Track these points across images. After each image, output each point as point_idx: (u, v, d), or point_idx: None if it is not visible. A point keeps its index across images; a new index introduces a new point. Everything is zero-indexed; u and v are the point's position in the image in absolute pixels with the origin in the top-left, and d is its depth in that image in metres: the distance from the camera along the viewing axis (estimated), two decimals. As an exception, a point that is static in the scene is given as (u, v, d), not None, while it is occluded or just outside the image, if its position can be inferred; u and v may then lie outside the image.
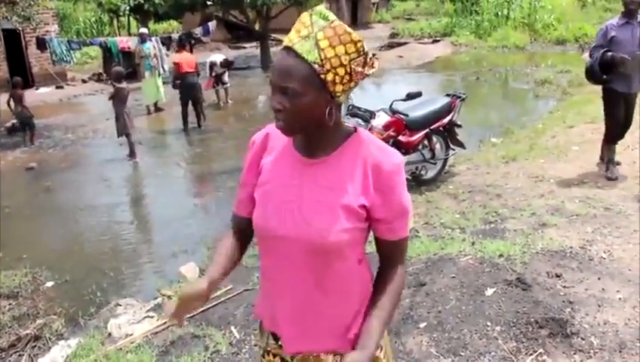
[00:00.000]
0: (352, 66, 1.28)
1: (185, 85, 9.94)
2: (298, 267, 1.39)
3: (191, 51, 18.03)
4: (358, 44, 1.28)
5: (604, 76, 5.16)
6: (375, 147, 1.39)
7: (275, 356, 1.54)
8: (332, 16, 1.30)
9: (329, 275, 1.39)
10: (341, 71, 1.27)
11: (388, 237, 1.43)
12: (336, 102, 1.33)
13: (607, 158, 5.53)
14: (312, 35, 1.27)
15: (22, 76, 15.65)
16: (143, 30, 12.83)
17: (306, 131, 1.36)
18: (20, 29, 14.60)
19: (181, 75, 9.93)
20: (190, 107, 10.03)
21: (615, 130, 5.48)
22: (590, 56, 5.33)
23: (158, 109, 11.93)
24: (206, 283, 1.40)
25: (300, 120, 1.31)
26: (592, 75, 5.30)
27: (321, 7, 1.33)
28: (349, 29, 1.28)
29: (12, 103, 9.62)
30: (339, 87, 1.29)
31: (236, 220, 1.57)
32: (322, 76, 1.26)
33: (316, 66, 1.26)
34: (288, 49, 1.28)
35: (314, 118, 1.32)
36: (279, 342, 1.51)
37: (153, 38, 13.44)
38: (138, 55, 11.92)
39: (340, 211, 1.35)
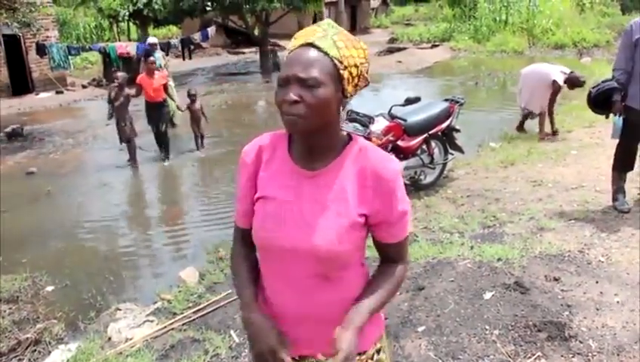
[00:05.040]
0: (362, 70, 1.35)
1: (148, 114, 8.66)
2: (302, 275, 1.40)
3: (184, 57, 17.86)
4: (366, 52, 1.37)
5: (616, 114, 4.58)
6: (373, 154, 1.41)
7: None
8: (339, 27, 1.37)
9: (333, 282, 1.41)
10: (354, 71, 1.34)
11: (388, 240, 1.45)
12: (343, 102, 1.37)
13: (616, 187, 4.73)
14: (328, 36, 1.32)
15: (22, 81, 15.90)
16: (152, 40, 11.77)
17: (313, 132, 1.35)
18: (21, 34, 14.67)
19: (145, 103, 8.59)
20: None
21: (627, 157, 4.66)
22: (613, 69, 4.55)
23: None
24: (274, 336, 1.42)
25: (316, 113, 1.31)
26: (592, 105, 4.86)
27: (328, 20, 1.41)
28: (356, 38, 1.37)
29: None
30: (350, 87, 1.35)
31: (241, 232, 1.55)
32: (341, 72, 1.32)
33: (336, 62, 1.31)
34: (309, 45, 1.31)
35: (327, 114, 1.33)
36: None
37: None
38: (143, 66, 10.86)
39: (342, 222, 1.36)
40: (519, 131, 8.19)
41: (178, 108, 9.34)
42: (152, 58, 8.56)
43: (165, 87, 8.59)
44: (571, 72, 7.56)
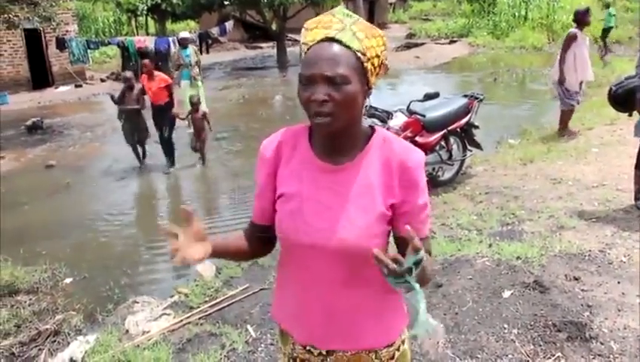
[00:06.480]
0: (382, 58, 1.33)
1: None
2: (329, 272, 1.38)
3: (201, 52, 17.92)
4: (384, 39, 1.34)
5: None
6: (397, 145, 1.39)
7: (302, 361, 1.53)
8: (354, 15, 1.34)
9: (360, 277, 1.39)
10: (376, 61, 1.32)
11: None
12: (367, 93, 1.35)
13: (639, 186, 4.63)
14: (347, 27, 1.29)
15: (42, 75, 16.11)
16: (185, 34, 10.80)
17: (341, 129, 1.32)
18: (41, 28, 14.85)
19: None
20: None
21: None
22: (637, 66, 4.50)
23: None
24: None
25: (346, 110, 1.28)
26: (613, 102, 4.76)
27: (341, 8, 1.37)
28: (372, 25, 1.34)
29: None
30: (373, 78, 1.34)
31: (256, 228, 1.53)
32: (365, 65, 1.29)
33: (359, 55, 1.28)
34: (330, 40, 1.28)
35: (355, 110, 1.32)
36: (307, 347, 1.49)
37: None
38: (175, 62, 10.19)
39: (370, 216, 1.35)
40: (560, 131, 7.66)
41: (177, 115, 8.24)
42: (146, 60, 8.03)
43: (169, 88, 7.91)
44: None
